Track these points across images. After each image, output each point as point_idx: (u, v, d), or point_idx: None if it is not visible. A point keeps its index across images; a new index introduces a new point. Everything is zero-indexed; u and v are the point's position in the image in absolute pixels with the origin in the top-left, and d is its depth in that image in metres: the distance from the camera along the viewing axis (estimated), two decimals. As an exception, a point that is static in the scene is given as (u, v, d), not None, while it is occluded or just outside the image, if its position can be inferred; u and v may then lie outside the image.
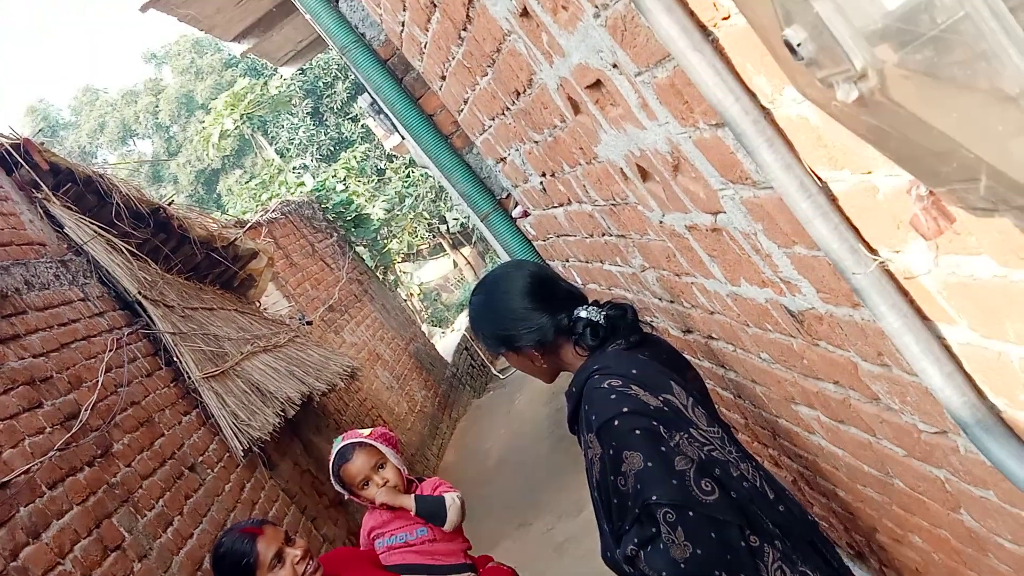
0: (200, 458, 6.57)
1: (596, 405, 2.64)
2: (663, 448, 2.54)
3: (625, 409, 2.58)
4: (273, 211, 14.28)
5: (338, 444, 3.63)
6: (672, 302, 3.50)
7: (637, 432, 2.55)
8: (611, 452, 2.59)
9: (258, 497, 7.15)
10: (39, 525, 4.34)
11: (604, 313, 2.83)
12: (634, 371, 2.67)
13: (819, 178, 1.56)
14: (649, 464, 2.54)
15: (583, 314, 2.82)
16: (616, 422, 2.58)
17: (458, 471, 13.01)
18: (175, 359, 7.00)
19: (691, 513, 2.52)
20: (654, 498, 2.52)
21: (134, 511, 5.24)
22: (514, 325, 2.86)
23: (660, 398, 2.62)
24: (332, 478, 3.65)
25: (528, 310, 2.84)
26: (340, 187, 20.73)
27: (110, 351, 6.20)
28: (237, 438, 6.88)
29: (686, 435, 2.58)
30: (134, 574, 4.83)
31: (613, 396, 2.61)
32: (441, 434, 15.23)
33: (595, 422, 2.63)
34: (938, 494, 2.36)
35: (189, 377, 6.98)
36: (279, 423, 7.36)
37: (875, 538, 3.44)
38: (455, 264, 33.96)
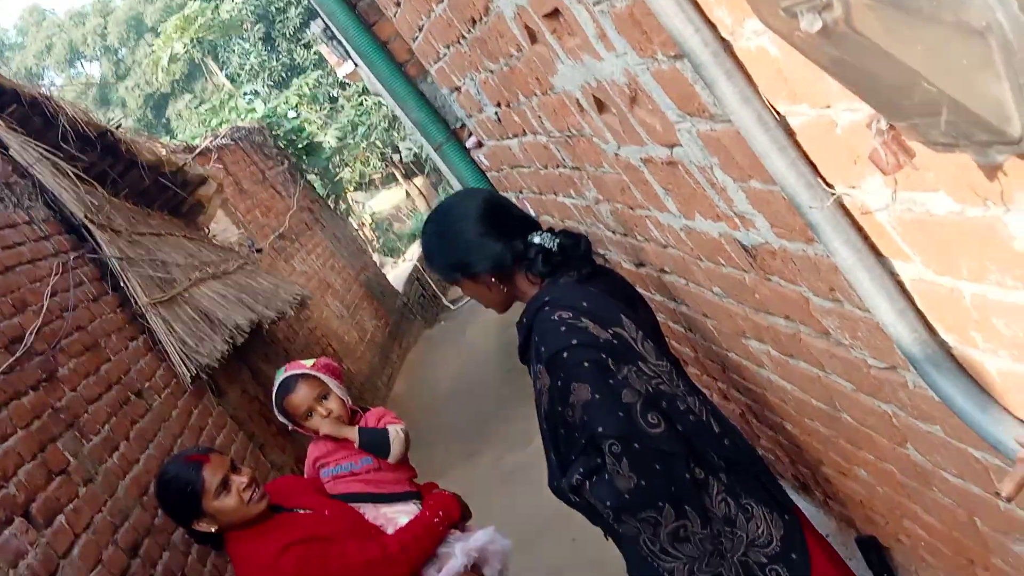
0: (147, 384, 6.53)
1: (546, 337, 2.64)
2: (611, 381, 2.56)
3: (574, 341, 2.58)
4: (223, 137, 14.09)
5: (280, 376, 3.61)
6: (625, 235, 3.50)
7: (585, 364, 2.56)
8: (559, 383, 2.60)
9: (206, 423, 7.12)
10: (-18, 449, 4.31)
11: (558, 241, 2.82)
12: (585, 303, 2.67)
13: (777, 112, 1.55)
14: (596, 396, 2.55)
15: (537, 240, 2.81)
16: (565, 354, 2.58)
17: (408, 401, 13.04)
18: (122, 284, 6.92)
19: (636, 445, 2.54)
20: (600, 430, 2.54)
21: (79, 436, 5.20)
22: (468, 252, 2.84)
23: (610, 331, 2.62)
24: (275, 410, 3.64)
25: (482, 236, 2.82)
26: (292, 114, 20.50)
27: (56, 275, 6.11)
28: (185, 365, 6.83)
29: (634, 368, 2.59)
30: (79, 498, 4.81)
31: (563, 328, 2.61)
32: (391, 364, 15.24)
33: (544, 353, 2.63)
34: (885, 428, 2.39)
35: (136, 303, 6.90)
36: (227, 350, 7.32)
37: (821, 471, 3.48)
38: (407, 194, 33.79)
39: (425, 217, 3.39)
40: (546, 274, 2.80)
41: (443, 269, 2.96)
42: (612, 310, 2.69)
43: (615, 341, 2.61)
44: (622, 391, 2.55)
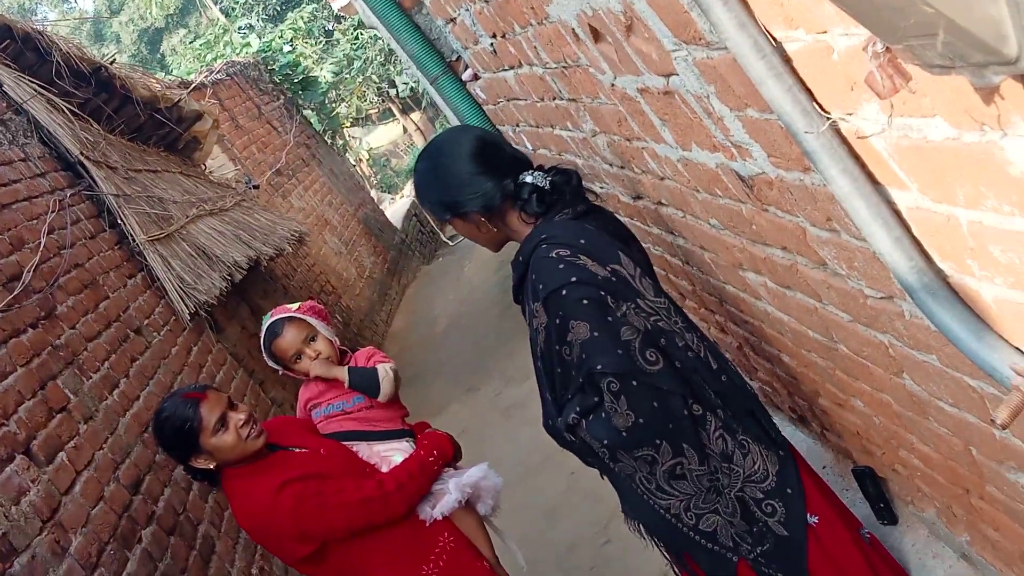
0: (146, 321, 6.53)
1: (544, 274, 2.64)
2: (609, 318, 2.55)
3: (573, 279, 2.58)
4: (218, 72, 13.96)
5: (267, 321, 3.62)
6: (622, 168, 3.48)
7: (584, 302, 2.56)
8: (557, 321, 2.60)
9: (205, 360, 7.14)
10: (-18, 386, 4.32)
11: (549, 179, 2.80)
12: (582, 241, 2.66)
13: (773, 38, 1.53)
14: (595, 333, 2.55)
15: (528, 179, 2.79)
16: (564, 291, 2.58)
17: (407, 337, 13.08)
18: (119, 221, 6.90)
19: (635, 383, 2.55)
20: (599, 367, 2.54)
21: (79, 373, 5.21)
22: (459, 190, 2.82)
23: (608, 268, 2.62)
24: (264, 354, 3.65)
25: (473, 175, 2.80)
26: (287, 49, 20.31)
27: (52, 212, 6.09)
28: (183, 301, 6.83)
29: (633, 305, 2.59)
30: (80, 435, 4.83)
31: (561, 266, 2.61)
32: (390, 300, 15.26)
33: (543, 291, 2.62)
34: (881, 359, 2.40)
35: (133, 240, 6.89)
36: (226, 287, 7.32)
37: (818, 403, 3.50)
38: (405, 129, 33.58)
39: (414, 163, 3.36)
40: (540, 213, 2.78)
41: (433, 207, 2.93)
42: (609, 247, 2.68)
43: (613, 278, 2.61)
44: (621, 328, 2.55)
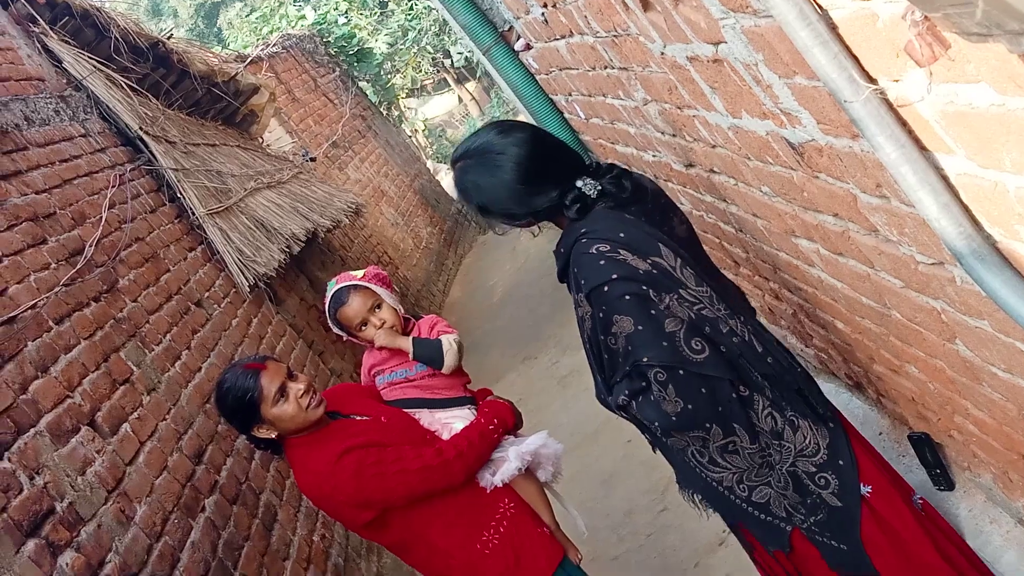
0: (206, 294, 6.63)
1: (585, 270, 2.64)
2: (652, 311, 2.57)
3: (615, 276, 2.59)
4: (274, 45, 14.05)
5: (332, 288, 3.63)
6: (674, 136, 3.48)
7: (627, 297, 2.57)
8: (601, 315, 2.61)
9: (265, 332, 7.23)
10: (47, 359, 4.41)
11: (599, 187, 2.77)
12: (622, 234, 2.66)
13: (819, 5, 1.53)
14: (639, 327, 2.56)
15: (579, 184, 2.75)
16: (606, 288, 2.59)
17: (464, 307, 13.13)
18: (178, 195, 7.00)
19: (681, 372, 2.56)
20: (645, 360, 2.56)
21: (141, 345, 5.31)
22: (502, 204, 2.82)
23: (649, 261, 2.62)
24: (330, 322, 3.67)
25: (522, 192, 2.77)
26: (342, 20, 20.32)
27: (113, 187, 6.19)
28: (243, 274, 6.92)
29: (675, 296, 2.60)
30: (143, 407, 4.93)
31: (602, 262, 2.61)
32: (447, 270, 15.32)
33: (585, 286, 2.64)
34: (934, 324, 2.39)
35: (193, 213, 6.98)
36: (284, 259, 7.40)
37: (873, 369, 3.49)
38: (460, 100, 33.55)
39: (469, 133, 3.30)
40: (578, 220, 2.77)
41: (476, 208, 2.92)
42: (649, 239, 2.67)
43: (655, 271, 2.61)
44: (665, 320, 2.57)
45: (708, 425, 2.61)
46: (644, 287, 2.57)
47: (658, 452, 2.94)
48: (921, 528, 2.79)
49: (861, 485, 2.75)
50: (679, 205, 3.09)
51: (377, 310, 3.61)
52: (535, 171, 2.76)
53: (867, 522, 2.74)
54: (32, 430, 3.98)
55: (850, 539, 2.74)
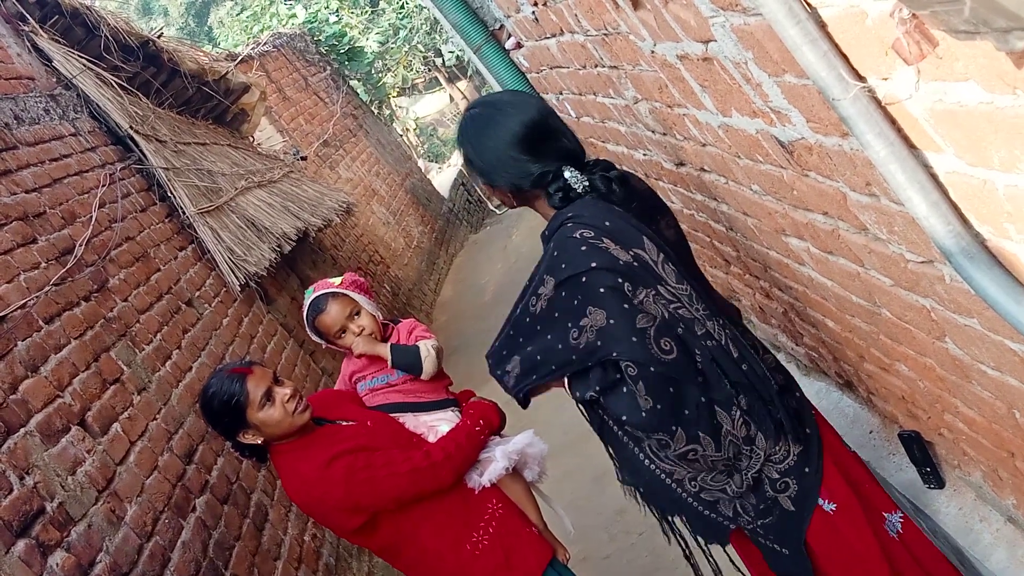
0: (197, 293, 6.62)
1: (566, 254, 2.64)
2: (626, 305, 2.56)
3: (594, 264, 2.58)
4: (265, 44, 14.03)
5: (310, 296, 3.63)
6: (665, 134, 3.47)
7: (602, 290, 2.56)
8: (575, 303, 2.60)
9: (256, 331, 7.23)
10: (37, 359, 4.39)
11: (585, 183, 2.77)
12: (607, 223, 2.65)
13: (808, 3, 1.53)
14: (611, 321, 2.56)
15: (566, 175, 2.76)
16: (584, 278, 2.58)
17: (455, 306, 13.13)
18: (169, 194, 6.99)
19: (652, 370, 2.55)
20: (615, 354, 2.56)
21: (132, 345, 5.30)
22: (493, 165, 2.82)
23: (631, 252, 2.61)
24: (308, 330, 3.68)
25: (512, 157, 2.78)
26: (332, 19, 20.32)
27: (103, 186, 6.18)
28: (234, 273, 6.92)
29: (653, 291, 2.59)
30: (134, 406, 4.92)
31: (584, 248, 2.61)
32: (438, 269, 15.32)
33: (563, 271, 2.63)
34: (924, 323, 2.39)
35: (183, 212, 6.98)
36: (275, 258, 7.39)
37: (863, 367, 3.49)
38: (451, 98, 33.52)
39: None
40: (560, 208, 2.77)
41: (466, 161, 2.94)
42: (634, 231, 2.67)
43: (635, 263, 2.60)
44: (637, 316, 2.56)
45: (673, 428, 2.59)
46: (621, 280, 2.56)
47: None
48: (882, 552, 2.77)
49: (824, 501, 2.74)
50: (670, 204, 3.09)
51: (356, 317, 3.61)
52: (531, 143, 2.77)
53: (825, 537, 2.74)
54: (22, 430, 3.97)
55: (791, 544, 2.74)
